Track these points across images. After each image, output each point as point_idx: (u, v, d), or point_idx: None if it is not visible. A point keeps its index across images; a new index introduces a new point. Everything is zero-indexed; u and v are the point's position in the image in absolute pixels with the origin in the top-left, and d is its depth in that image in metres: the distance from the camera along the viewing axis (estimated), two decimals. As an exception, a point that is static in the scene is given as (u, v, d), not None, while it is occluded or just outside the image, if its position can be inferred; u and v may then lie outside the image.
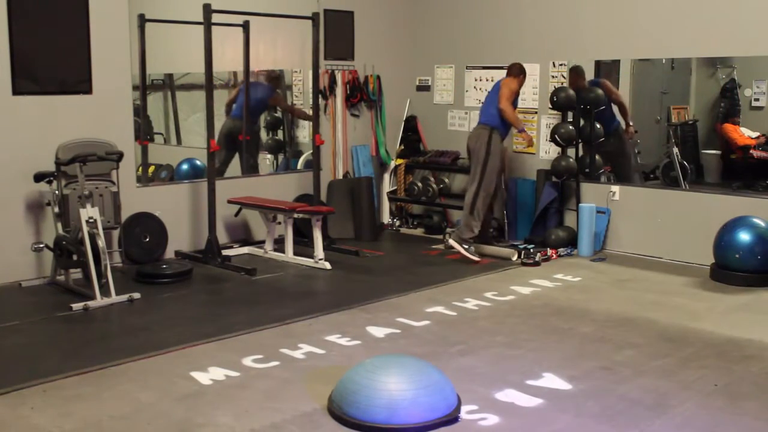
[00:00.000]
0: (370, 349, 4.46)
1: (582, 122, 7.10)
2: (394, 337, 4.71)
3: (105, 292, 5.30)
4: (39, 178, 5.66)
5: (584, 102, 6.96)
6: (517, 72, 6.80)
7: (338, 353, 4.42)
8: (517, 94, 6.83)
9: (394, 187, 8.28)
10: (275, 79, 7.82)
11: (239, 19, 7.16)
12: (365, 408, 3.37)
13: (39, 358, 4.33)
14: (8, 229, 5.78)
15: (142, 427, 3.47)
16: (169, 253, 6.64)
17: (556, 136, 7.00)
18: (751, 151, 6.88)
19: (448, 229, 7.32)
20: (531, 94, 7.47)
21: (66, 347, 4.55)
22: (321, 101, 7.47)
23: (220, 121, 7.20)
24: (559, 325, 4.93)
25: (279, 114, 8.13)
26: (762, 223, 5.81)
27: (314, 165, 7.20)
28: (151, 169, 7.03)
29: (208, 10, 6.22)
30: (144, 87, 6.84)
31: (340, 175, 7.93)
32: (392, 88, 8.24)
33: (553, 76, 7.30)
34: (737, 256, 5.79)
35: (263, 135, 8.07)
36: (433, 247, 7.11)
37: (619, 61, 7.06)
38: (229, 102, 7.55)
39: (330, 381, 3.74)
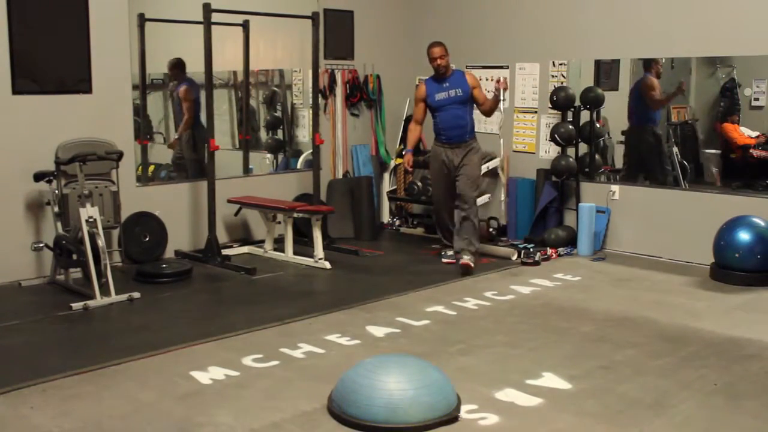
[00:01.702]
0: (370, 348, 4.46)
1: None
2: (394, 336, 4.71)
3: (105, 291, 5.30)
4: (39, 177, 5.66)
5: (585, 101, 6.95)
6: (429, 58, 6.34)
7: (338, 353, 4.41)
8: (423, 102, 6.40)
9: (394, 187, 8.28)
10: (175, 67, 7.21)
11: (239, 19, 7.16)
12: (365, 407, 3.37)
13: (39, 357, 4.34)
14: (8, 229, 5.78)
15: (142, 426, 3.47)
16: (169, 253, 6.64)
17: (556, 135, 7.00)
18: (751, 151, 6.88)
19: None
20: (531, 94, 7.47)
21: (66, 347, 4.55)
22: (321, 101, 7.47)
23: (219, 120, 7.20)
24: (558, 324, 4.93)
25: (279, 113, 8.13)
26: (762, 223, 5.81)
27: (314, 164, 7.20)
28: (151, 168, 7.03)
29: (207, 9, 6.22)
30: (144, 86, 6.83)
31: (339, 175, 7.93)
32: (392, 88, 8.23)
33: (552, 76, 7.30)
34: (737, 255, 5.79)
35: (263, 135, 8.09)
36: (433, 246, 7.10)
37: (619, 60, 7.06)
38: (188, 119, 7.16)
39: (330, 380, 3.74)
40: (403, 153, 6.51)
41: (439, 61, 6.25)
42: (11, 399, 3.74)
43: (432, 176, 6.65)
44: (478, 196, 6.86)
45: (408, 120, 8.29)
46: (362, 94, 8.02)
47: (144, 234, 6.43)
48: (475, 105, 6.41)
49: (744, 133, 7.00)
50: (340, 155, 7.91)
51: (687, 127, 7.37)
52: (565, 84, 7.18)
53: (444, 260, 6.59)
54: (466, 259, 6.20)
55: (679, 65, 7.14)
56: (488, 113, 6.53)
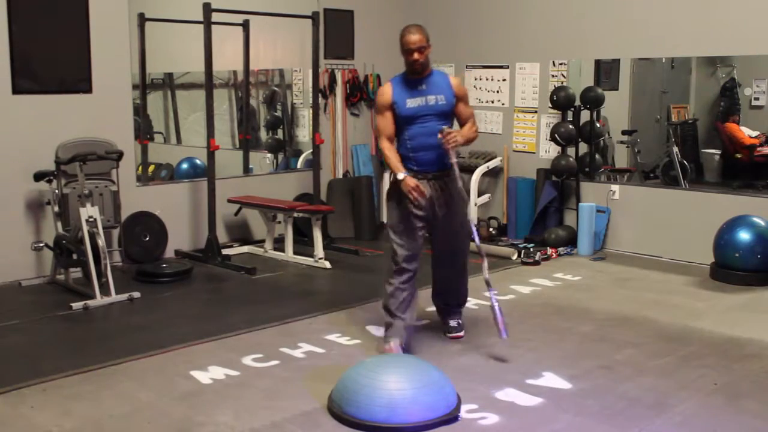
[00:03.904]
0: (370, 348, 4.45)
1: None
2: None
3: (105, 291, 5.30)
4: (39, 177, 5.67)
5: (585, 101, 6.96)
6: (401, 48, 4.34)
7: (338, 352, 4.41)
8: (390, 110, 4.34)
9: (394, 187, 8.26)
10: None
11: (239, 18, 7.17)
12: (365, 407, 3.37)
13: (39, 357, 4.34)
14: (8, 228, 5.79)
15: (142, 426, 3.47)
16: (169, 252, 6.64)
17: (556, 135, 7.00)
18: (759, 149, 6.88)
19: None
20: (531, 94, 7.47)
21: (66, 346, 4.56)
22: (321, 100, 7.47)
23: (219, 120, 7.20)
24: (559, 324, 4.93)
25: (279, 113, 8.13)
26: (762, 222, 5.81)
27: (314, 164, 7.20)
28: (151, 168, 7.04)
29: (208, 9, 6.22)
30: (144, 86, 6.84)
31: (340, 174, 7.93)
32: (392, 88, 8.21)
33: (553, 75, 7.30)
34: (737, 255, 5.79)
35: (263, 134, 8.09)
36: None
37: (619, 60, 7.06)
38: None
39: (330, 380, 3.74)
40: (398, 179, 4.25)
41: (416, 56, 4.30)
42: (11, 399, 3.74)
43: (396, 221, 4.36)
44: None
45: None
46: (362, 94, 8.02)
47: (144, 234, 6.43)
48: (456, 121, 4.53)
49: (744, 132, 7.02)
50: (340, 155, 7.91)
51: (687, 126, 7.39)
52: (565, 84, 7.17)
53: (386, 347, 4.34)
54: (456, 332, 4.62)
55: (679, 65, 7.15)
56: (467, 141, 4.46)
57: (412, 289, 4.39)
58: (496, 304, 4.31)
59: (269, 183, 7.42)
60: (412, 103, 4.33)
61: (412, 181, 4.23)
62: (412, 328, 4.45)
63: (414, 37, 4.30)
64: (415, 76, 4.37)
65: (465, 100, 4.51)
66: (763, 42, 6.05)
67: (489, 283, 4.40)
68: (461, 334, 4.65)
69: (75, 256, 5.47)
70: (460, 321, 4.70)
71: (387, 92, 4.39)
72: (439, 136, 4.25)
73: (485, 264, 4.40)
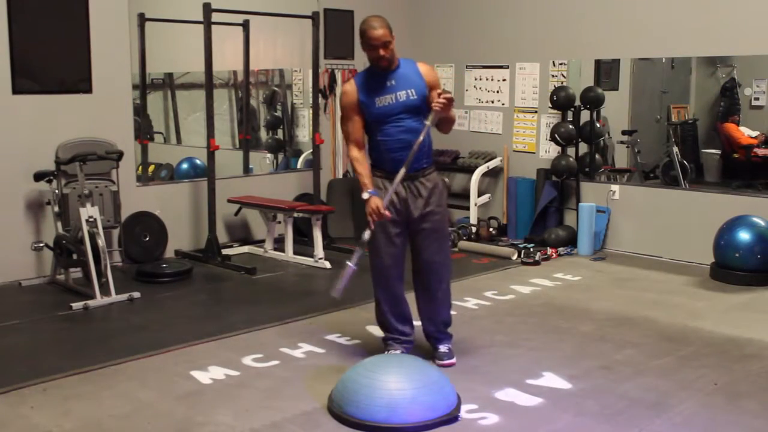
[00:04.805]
0: (370, 348, 4.45)
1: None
2: (394, 336, 4.70)
3: (105, 291, 5.30)
4: (39, 177, 5.67)
5: (585, 101, 6.96)
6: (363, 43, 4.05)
7: (338, 352, 4.42)
8: (357, 112, 4.04)
9: (394, 187, 8.25)
10: None
11: (239, 19, 7.17)
12: (365, 407, 3.37)
13: (39, 357, 4.34)
14: (8, 228, 5.79)
15: (142, 426, 3.47)
16: (169, 252, 6.64)
17: (556, 135, 7.00)
18: (755, 150, 6.89)
19: None
20: (531, 94, 7.47)
21: (66, 346, 4.55)
22: (321, 100, 7.47)
23: (219, 120, 7.21)
24: (559, 324, 4.93)
25: (279, 113, 8.13)
26: (762, 222, 5.81)
27: (314, 164, 7.20)
28: (151, 168, 7.04)
29: (208, 9, 6.22)
30: (144, 86, 6.84)
31: (340, 174, 7.92)
32: (392, 88, 8.21)
33: (553, 75, 7.30)
34: (737, 255, 5.79)
35: (263, 134, 8.09)
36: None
37: (619, 60, 7.06)
38: None
39: (330, 380, 3.74)
40: (364, 198, 4.02)
41: (381, 52, 3.98)
42: (11, 399, 3.74)
43: (375, 243, 4.20)
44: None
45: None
46: (362, 94, 8.00)
47: (144, 234, 6.43)
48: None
49: (744, 132, 7.02)
50: (340, 155, 7.91)
51: (687, 126, 7.39)
52: (565, 84, 7.17)
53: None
54: (448, 359, 4.17)
55: (679, 65, 7.15)
56: (446, 127, 4.27)
57: (398, 302, 4.22)
58: (352, 267, 4.04)
59: (269, 183, 7.42)
60: (382, 102, 3.97)
61: (374, 203, 3.94)
62: (412, 342, 4.29)
63: (377, 33, 3.92)
64: (381, 70, 4.03)
65: (438, 86, 4.13)
66: (763, 42, 6.05)
67: (363, 242, 4.07)
68: (453, 361, 4.15)
69: (75, 256, 5.47)
70: (450, 347, 4.22)
71: (351, 92, 4.02)
72: (435, 93, 3.91)
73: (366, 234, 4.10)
